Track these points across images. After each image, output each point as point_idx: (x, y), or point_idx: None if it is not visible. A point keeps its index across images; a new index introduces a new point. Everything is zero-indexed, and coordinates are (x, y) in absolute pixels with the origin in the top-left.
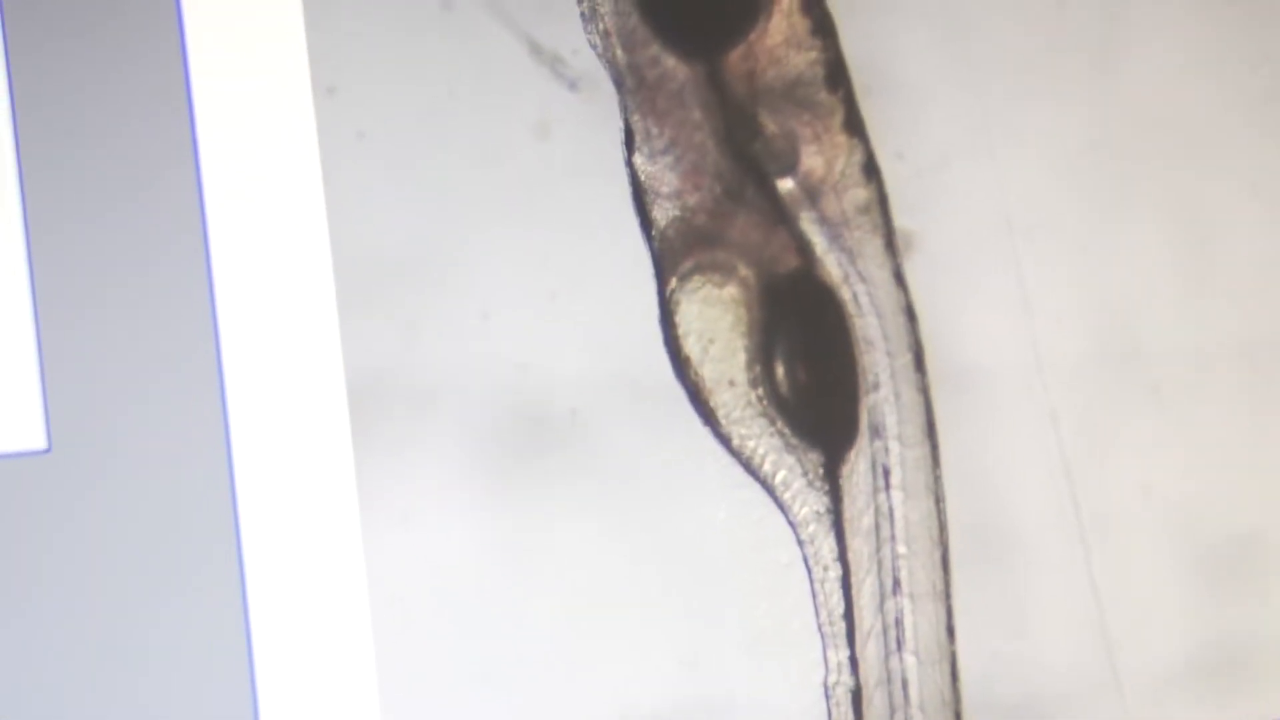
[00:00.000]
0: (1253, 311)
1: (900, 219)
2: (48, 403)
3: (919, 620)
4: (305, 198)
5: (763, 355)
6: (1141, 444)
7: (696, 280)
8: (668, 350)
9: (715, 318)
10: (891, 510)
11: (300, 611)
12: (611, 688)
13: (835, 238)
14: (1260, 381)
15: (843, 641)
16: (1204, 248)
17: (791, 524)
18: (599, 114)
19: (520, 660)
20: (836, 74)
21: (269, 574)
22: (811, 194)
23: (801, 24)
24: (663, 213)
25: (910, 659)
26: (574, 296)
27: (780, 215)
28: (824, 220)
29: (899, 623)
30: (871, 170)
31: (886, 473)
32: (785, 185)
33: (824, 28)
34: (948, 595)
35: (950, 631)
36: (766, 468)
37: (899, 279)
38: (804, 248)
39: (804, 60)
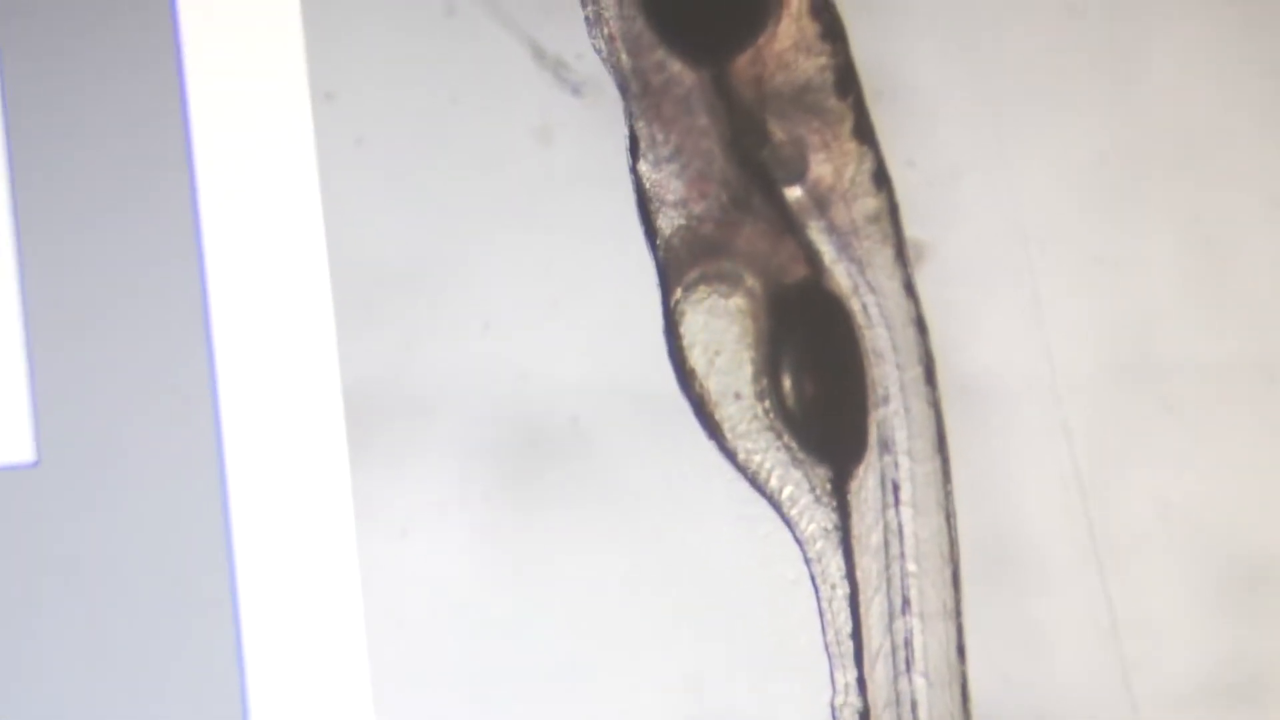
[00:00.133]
0: (1271, 323)
1: (911, 228)
2: (37, 414)
3: (929, 640)
4: (302, 205)
5: (770, 367)
6: (1158, 459)
7: (702, 290)
8: (672, 362)
9: (721, 329)
10: (901, 527)
11: (294, 628)
12: (613, 709)
13: (844, 247)
14: None
15: (850, 662)
16: (1220, 258)
17: (798, 541)
18: (603, 120)
19: (520, 680)
20: (846, 80)
21: (262, 589)
22: (820, 202)
23: (811, 28)
24: (668, 221)
25: (920, 680)
26: (576, 306)
27: (788, 224)
28: (833, 229)
29: (908, 643)
30: (882, 178)
31: (896, 488)
32: (793, 193)
33: (834, 32)
34: (958, 614)
35: (961, 652)
36: (773, 483)
37: (909, 290)
38: (812, 257)
39: (813, 65)
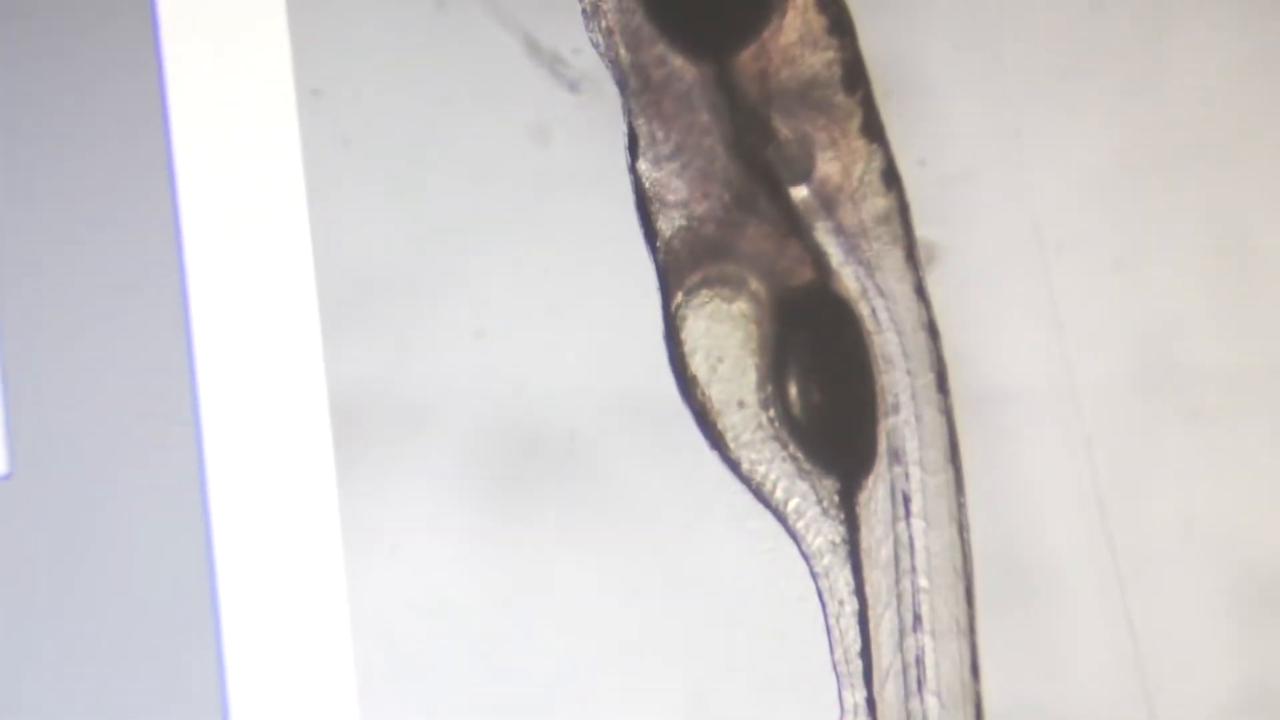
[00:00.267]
0: None
1: (922, 230)
2: (10, 424)
3: (941, 659)
4: (288, 207)
5: (775, 374)
6: (1180, 471)
7: (704, 294)
8: (673, 369)
9: (724, 334)
10: (912, 541)
11: (279, 650)
12: None
13: (853, 249)
14: None
15: (859, 681)
16: (1245, 263)
17: (805, 555)
18: (601, 117)
19: (515, 702)
20: (855, 75)
21: (245, 608)
22: (827, 203)
23: (817, 21)
24: (668, 223)
25: (932, 700)
26: (574, 312)
27: (794, 225)
28: (841, 231)
29: (920, 661)
30: (892, 178)
31: (907, 500)
32: (799, 193)
33: (841, 25)
34: (972, 632)
35: (975, 671)
36: (778, 495)
37: (920, 293)
38: (819, 260)
39: (820, 60)
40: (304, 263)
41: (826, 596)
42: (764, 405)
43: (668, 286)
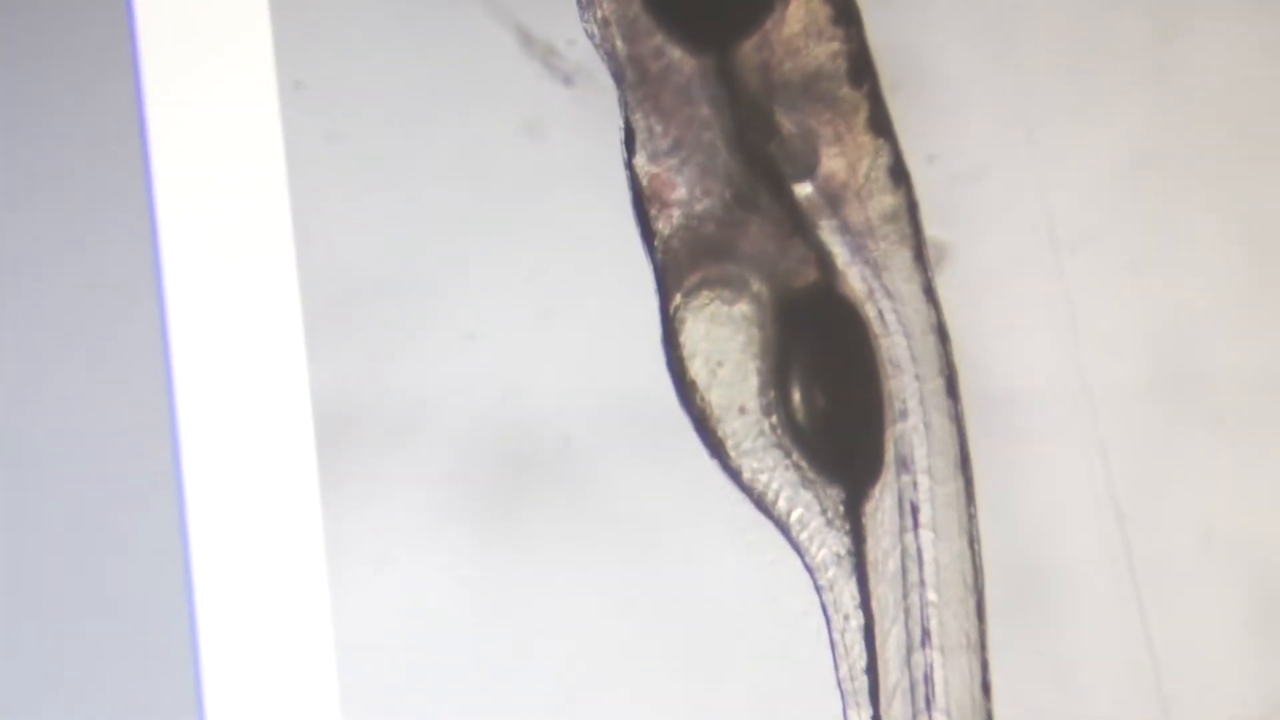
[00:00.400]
0: None
1: (932, 228)
2: None
3: (950, 676)
4: (269, 206)
5: (777, 379)
6: (1199, 479)
7: (704, 296)
8: (671, 374)
9: (724, 338)
10: (920, 552)
11: (260, 669)
12: None
13: (859, 249)
14: None
15: (865, 699)
16: (1267, 263)
17: (808, 568)
18: (596, 112)
19: None
20: (861, 67)
21: (224, 626)
22: (833, 200)
23: (822, 11)
24: (667, 221)
25: (941, 719)
26: (568, 315)
27: (797, 224)
28: (846, 229)
29: (928, 678)
30: (900, 174)
31: (915, 511)
32: (803, 191)
33: (847, 15)
34: (983, 648)
35: (986, 689)
36: (781, 505)
37: (930, 295)
38: (824, 260)
39: (825, 51)
40: (287, 264)
41: (831, 611)
42: (766, 411)
43: (666, 287)
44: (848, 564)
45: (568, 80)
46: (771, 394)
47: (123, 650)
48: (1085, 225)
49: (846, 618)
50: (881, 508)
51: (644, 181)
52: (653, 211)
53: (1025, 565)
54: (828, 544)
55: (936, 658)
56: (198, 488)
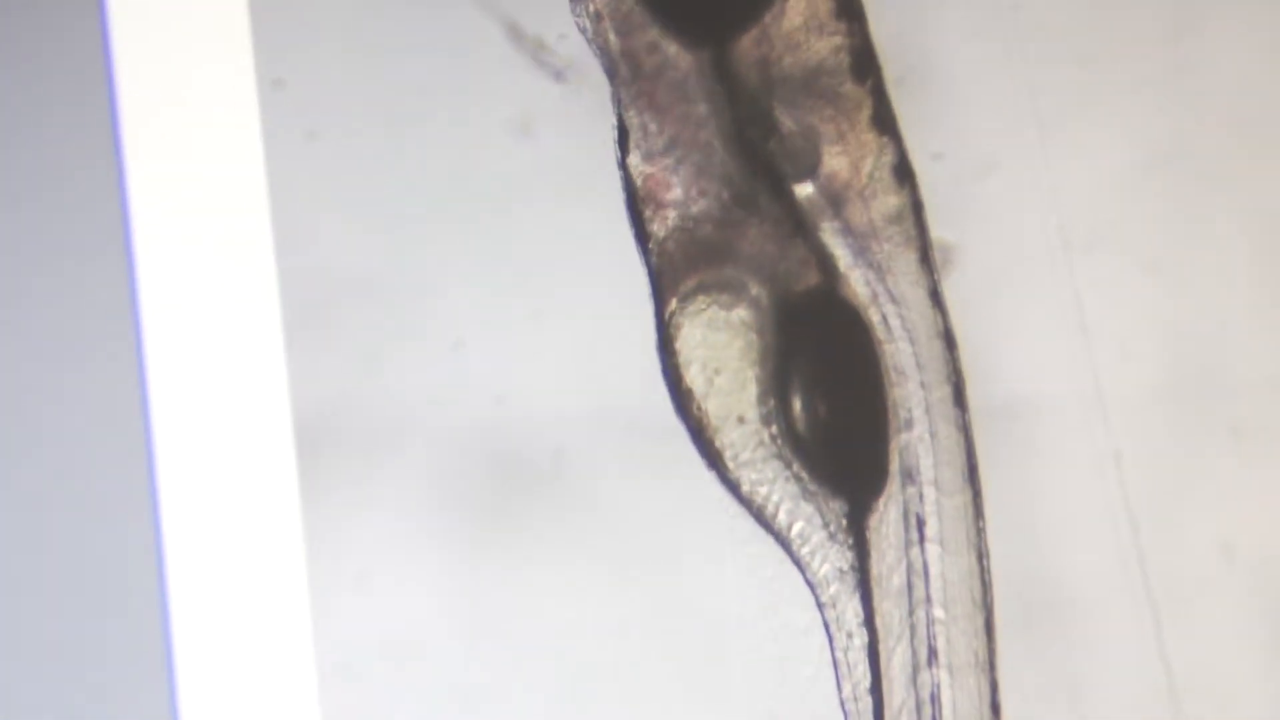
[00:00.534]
0: None
1: (938, 229)
2: None
3: (958, 696)
4: (248, 208)
5: (777, 387)
6: (1219, 491)
7: (701, 300)
8: (667, 382)
9: (722, 344)
10: (926, 568)
11: (237, 687)
12: None
13: (862, 251)
14: None
15: None
16: None
17: (810, 584)
18: (588, 109)
19: None
20: (864, 62)
21: (200, 644)
22: (835, 201)
23: (823, 4)
24: (662, 223)
25: None
26: (559, 320)
27: (798, 225)
28: (849, 231)
29: (935, 699)
30: (904, 173)
31: (921, 524)
32: (804, 191)
33: (849, 9)
34: (992, 667)
35: (995, 710)
36: (781, 518)
37: (936, 299)
38: (825, 263)
39: (827, 46)
40: (266, 267)
41: (833, 628)
42: (765, 421)
43: (661, 292)
44: (851, 579)
45: (559, 76)
46: (771, 402)
47: (96, 668)
48: (1098, 225)
49: (850, 636)
50: (886, 521)
51: (638, 182)
52: (647, 213)
53: (1036, 581)
54: (830, 559)
55: (944, 677)
56: (173, 500)
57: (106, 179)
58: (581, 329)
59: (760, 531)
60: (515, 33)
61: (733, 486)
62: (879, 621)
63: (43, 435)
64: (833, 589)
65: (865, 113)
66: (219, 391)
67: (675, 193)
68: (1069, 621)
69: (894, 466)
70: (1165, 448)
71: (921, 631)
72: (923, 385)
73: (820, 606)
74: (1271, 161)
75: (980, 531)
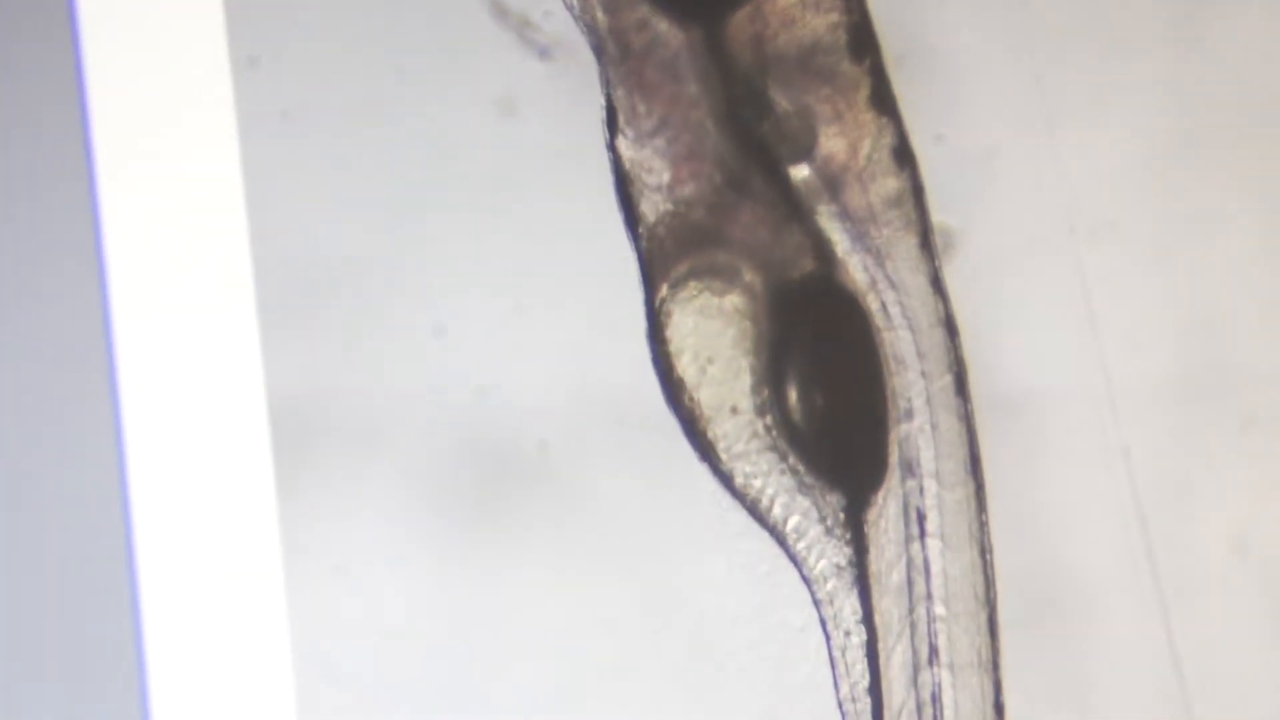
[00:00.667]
0: None
1: (939, 214)
2: None
3: (960, 696)
4: (221, 190)
5: (772, 377)
6: (1230, 484)
7: (692, 287)
8: (657, 371)
9: (715, 332)
10: (927, 563)
11: (212, 685)
12: None
13: (860, 236)
14: None
15: None
16: None
17: (806, 580)
18: (575, 88)
19: None
20: (862, 39)
21: (172, 641)
22: (832, 184)
23: None
24: (652, 207)
25: None
26: (545, 308)
27: (793, 209)
28: (846, 215)
29: (936, 699)
30: (904, 156)
31: (921, 518)
32: (800, 173)
33: None
34: (995, 666)
35: (999, 710)
36: (776, 512)
37: (937, 285)
38: (822, 248)
39: (823, 22)
40: (240, 253)
41: (831, 626)
42: (760, 411)
43: (651, 278)
44: (849, 576)
45: (544, 54)
46: (766, 393)
47: (65, 669)
48: (1105, 210)
49: (848, 634)
50: (885, 515)
51: (627, 164)
52: (636, 196)
53: (1041, 577)
54: (827, 554)
55: (945, 677)
56: (144, 496)
57: (74, 160)
58: (568, 316)
59: (755, 526)
60: (499, 9)
61: (726, 479)
62: (878, 619)
63: (10, 431)
64: (830, 585)
65: (863, 92)
66: (192, 383)
67: (665, 175)
68: (1075, 619)
69: (893, 459)
70: (1174, 440)
71: (922, 629)
72: (923, 374)
73: (817, 604)
74: None
75: (983, 526)
